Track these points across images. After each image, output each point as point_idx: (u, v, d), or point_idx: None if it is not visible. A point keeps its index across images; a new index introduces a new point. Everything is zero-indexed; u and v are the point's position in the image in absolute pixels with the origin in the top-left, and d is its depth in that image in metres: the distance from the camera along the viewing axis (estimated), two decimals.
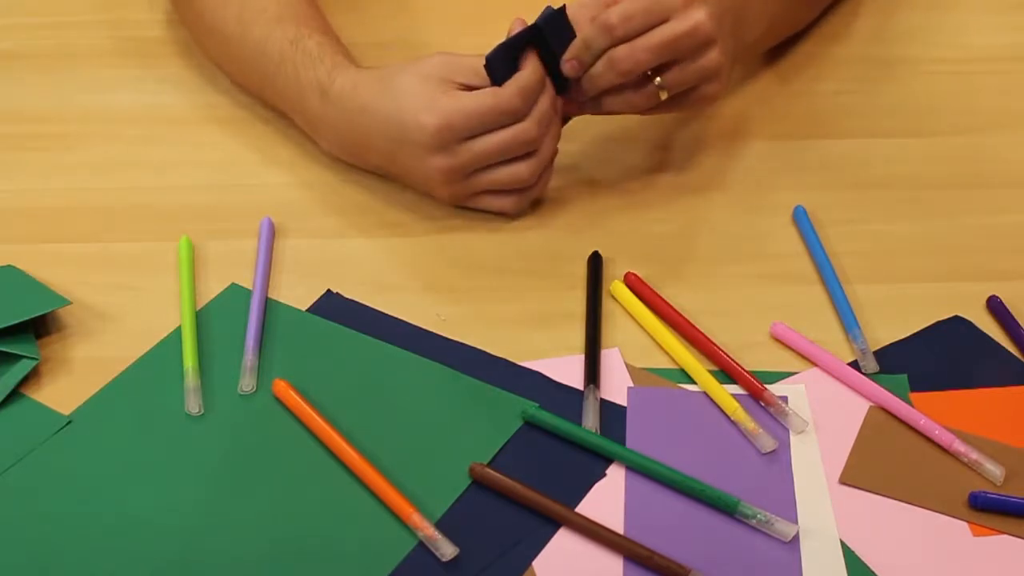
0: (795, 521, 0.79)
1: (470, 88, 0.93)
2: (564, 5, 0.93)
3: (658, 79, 0.94)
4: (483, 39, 0.99)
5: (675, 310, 0.91)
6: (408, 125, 0.92)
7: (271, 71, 1.01)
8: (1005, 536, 0.78)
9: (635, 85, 0.95)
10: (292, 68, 0.99)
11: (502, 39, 0.93)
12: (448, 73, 0.93)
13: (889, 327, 0.90)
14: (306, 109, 0.99)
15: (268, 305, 0.92)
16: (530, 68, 0.93)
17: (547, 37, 0.93)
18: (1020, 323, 0.90)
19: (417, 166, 0.95)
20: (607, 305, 0.92)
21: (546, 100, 0.94)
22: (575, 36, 0.93)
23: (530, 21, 0.94)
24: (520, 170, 0.95)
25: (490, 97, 0.92)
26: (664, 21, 0.92)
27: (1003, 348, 0.89)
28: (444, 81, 0.93)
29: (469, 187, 0.96)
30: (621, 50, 0.92)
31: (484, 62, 0.92)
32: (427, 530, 0.78)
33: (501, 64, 0.92)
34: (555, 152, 0.97)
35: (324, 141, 1.01)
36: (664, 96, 0.95)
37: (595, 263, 0.94)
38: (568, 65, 0.94)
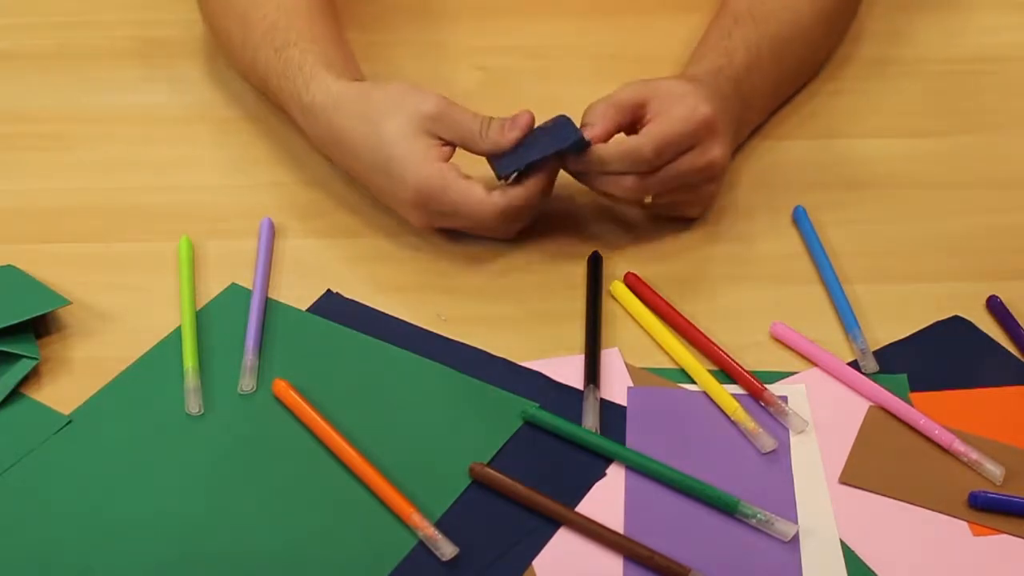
0: (795, 521, 0.79)
1: (456, 144, 0.91)
2: (580, 127, 0.91)
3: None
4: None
5: (675, 310, 0.91)
6: (394, 182, 0.91)
7: (262, 77, 1.01)
8: (1005, 536, 0.78)
9: None
10: (276, 77, 0.98)
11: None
12: (438, 128, 0.91)
13: (889, 327, 0.90)
14: (294, 118, 1.00)
15: (268, 305, 0.92)
16: (526, 191, 0.91)
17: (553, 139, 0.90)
18: (1020, 323, 0.90)
19: (393, 205, 0.95)
20: (607, 305, 0.92)
21: (527, 213, 0.93)
22: (582, 139, 0.90)
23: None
24: (496, 236, 0.95)
25: (475, 200, 0.90)
26: (687, 150, 0.91)
27: (1003, 348, 0.89)
28: (432, 137, 0.91)
29: (445, 228, 0.96)
30: (632, 179, 0.91)
31: (497, 175, 0.91)
32: (427, 530, 0.78)
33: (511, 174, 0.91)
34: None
35: (314, 146, 1.01)
36: (648, 201, 0.95)
37: (595, 263, 0.94)
38: (572, 166, 0.92)
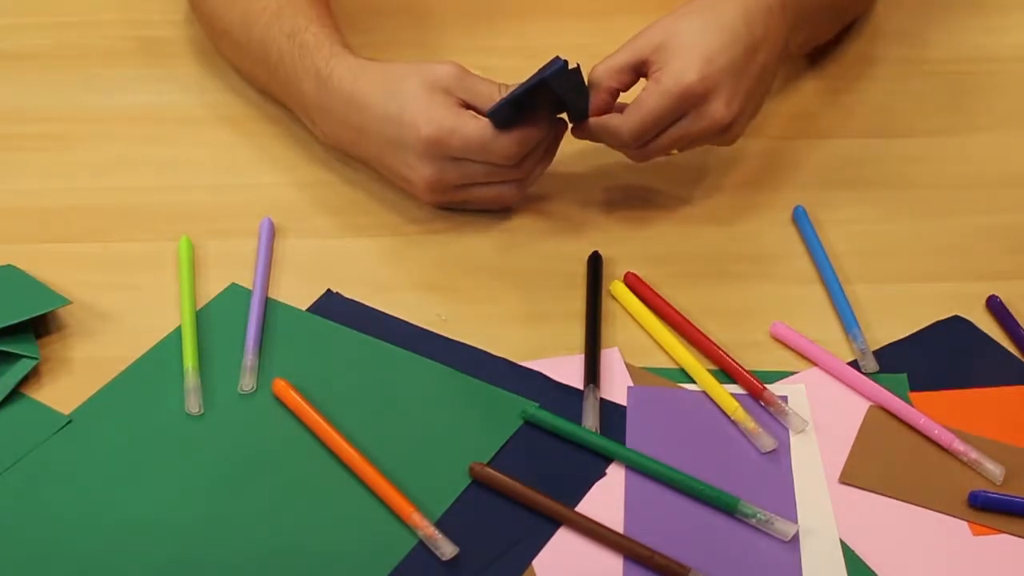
0: (795, 521, 0.79)
1: (471, 107, 0.92)
2: (577, 64, 0.90)
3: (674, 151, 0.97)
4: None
5: (675, 310, 0.91)
6: (405, 128, 0.92)
7: (272, 66, 1.01)
8: (1005, 535, 0.78)
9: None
10: (290, 60, 0.99)
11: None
12: (455, 87, 0.92)
13: (889, 327, 0.90)
14: (304, 97, 0.99)
15: (268, 305, 0.92)
16: (536, 128, 0.92)
17: (555, 89, 0.89)
18: (1020, 323, 0.90)
19: (403, 169, 0.95)
20: (607, 305, 0.92)
21: (541, 150, 0.95)
22: (587, 91, 0.92)
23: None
24: (504, 193, 0.96)
25: (490, 134, 0.90)
26: (681, 115, 0.92)
27: (1003, 348, 0.89)
28: (449, 95, 0.92)
29: (450, 197, 0.96)
30: (633, 152, 0.95)
31: (487, 113, 0.91)
32: (427, 529, 0.78)
33: (504, 114, 0.90)
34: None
35: (319, 130, 1.00)
36: (675, 152, 0.98)
37: (595, 263, 0.94)
38: (576, 134, 0.95)
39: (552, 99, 0.91)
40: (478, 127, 0.91)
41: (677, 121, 0.92)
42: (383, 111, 0.93)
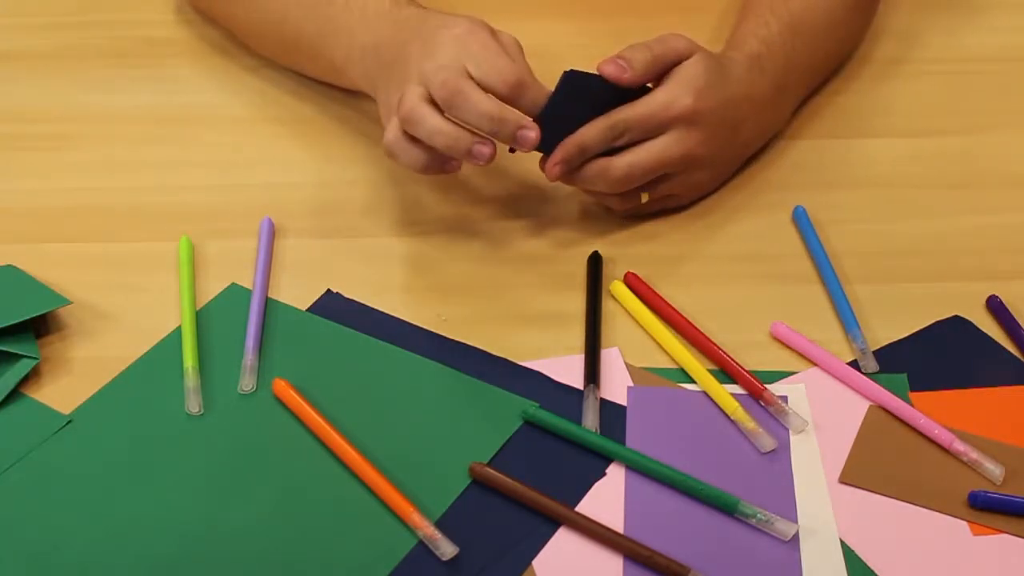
0: (795, 520, 0.79)
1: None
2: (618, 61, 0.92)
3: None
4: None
5: (675, 310, 0.91)
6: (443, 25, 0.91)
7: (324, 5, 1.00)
8: (1005, 535, 0.78)
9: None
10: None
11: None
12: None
13: (889, 327, 0.90)
14: (365, 14, 0.97)
15: (268, 305, 0.92)
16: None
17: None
18: (1020, 323, 0.90)
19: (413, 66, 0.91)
20: (607, 305, 0.92)
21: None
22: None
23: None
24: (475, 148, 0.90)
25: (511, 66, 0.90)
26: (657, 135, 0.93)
27: (1003, 348, 0.89)
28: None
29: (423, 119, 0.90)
30: (619, 168, 0.92)
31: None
32: (427, 529, 0.78)
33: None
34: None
35: (355, 55, 0.98)
36: (645, 199, 0.96)
37: (595, 263, 0.94)
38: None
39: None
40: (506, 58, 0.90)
41: (654, 137, 0.93)
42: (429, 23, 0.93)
